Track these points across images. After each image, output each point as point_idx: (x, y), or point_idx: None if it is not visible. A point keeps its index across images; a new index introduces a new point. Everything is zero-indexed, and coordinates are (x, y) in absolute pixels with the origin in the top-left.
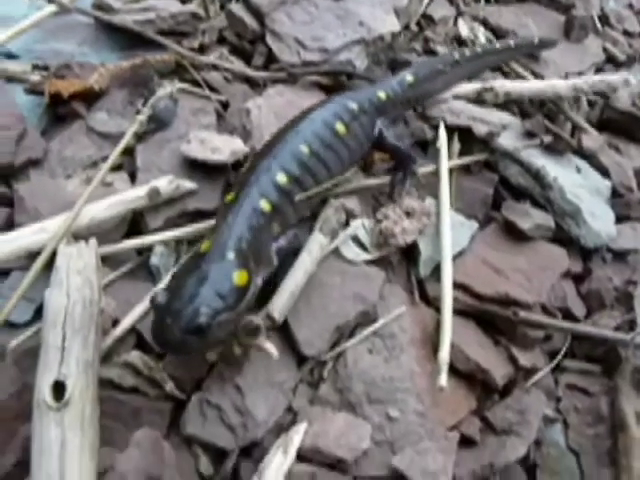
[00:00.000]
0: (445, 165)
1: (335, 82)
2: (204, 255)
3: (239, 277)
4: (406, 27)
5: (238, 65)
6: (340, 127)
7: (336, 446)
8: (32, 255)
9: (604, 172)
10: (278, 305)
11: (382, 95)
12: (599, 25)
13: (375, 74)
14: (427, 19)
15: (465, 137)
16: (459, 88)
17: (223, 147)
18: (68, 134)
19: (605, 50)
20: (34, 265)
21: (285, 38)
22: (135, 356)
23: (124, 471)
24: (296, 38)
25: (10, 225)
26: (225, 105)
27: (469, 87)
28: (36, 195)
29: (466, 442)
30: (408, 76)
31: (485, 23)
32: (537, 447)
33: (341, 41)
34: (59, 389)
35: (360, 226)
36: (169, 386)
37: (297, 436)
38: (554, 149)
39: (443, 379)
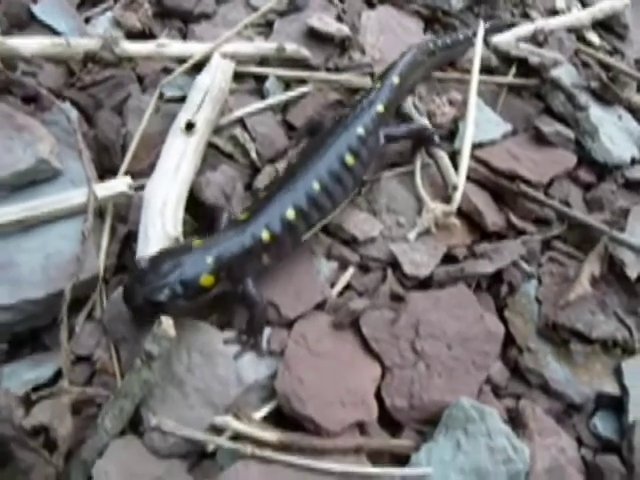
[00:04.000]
0: (476, 76)
1: (432, 15)
2: (191, 249)
3: (205, 279)
4: None
5: None
6: (349, 159)
7: (354, 227)
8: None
9: None
10: None
11: (381, 108)
12: None
13: (467, 18)
14: None
15: (524, 70)
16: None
17: (334, 25)
18: (234, 4)
19: None
20: (190, 60)
21: None
22: (238, 131)
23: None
24: None
25: None
26: (344, 11)
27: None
28: (203, 32)
29: (450, 260)
30: (394, 79)
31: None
32: (511, 294)
33: None
34: (190, 127)
35: (411, 105)
36: (254, 154)
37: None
38: (602, 97)
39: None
